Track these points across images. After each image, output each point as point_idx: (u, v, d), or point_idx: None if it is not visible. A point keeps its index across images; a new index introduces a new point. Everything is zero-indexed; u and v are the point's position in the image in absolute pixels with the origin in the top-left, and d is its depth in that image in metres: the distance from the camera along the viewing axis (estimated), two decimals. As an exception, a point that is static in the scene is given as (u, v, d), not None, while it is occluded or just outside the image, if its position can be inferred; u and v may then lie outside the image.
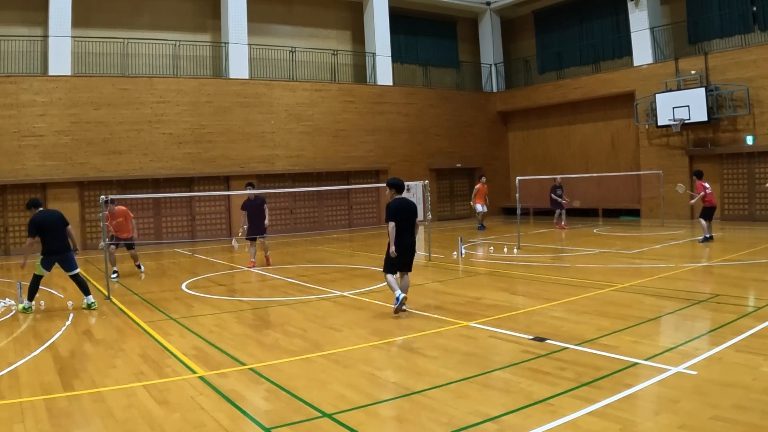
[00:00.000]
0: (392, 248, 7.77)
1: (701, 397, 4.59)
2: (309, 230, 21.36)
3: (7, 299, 9.69)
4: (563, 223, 19.44)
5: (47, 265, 8.98)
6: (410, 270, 8.10)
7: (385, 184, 8.48)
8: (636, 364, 5.48)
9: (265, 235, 13.00)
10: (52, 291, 10.66)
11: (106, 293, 9.93)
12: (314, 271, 12.61)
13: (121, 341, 7.11)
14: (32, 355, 6.56)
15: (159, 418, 4.62)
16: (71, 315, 8.62)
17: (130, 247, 12.73)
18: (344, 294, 9.63)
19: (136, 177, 18.85)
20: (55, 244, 8.94)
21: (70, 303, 9.38)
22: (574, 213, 23.98)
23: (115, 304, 9.43)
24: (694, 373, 5.14)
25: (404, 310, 7.89)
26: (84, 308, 9.05)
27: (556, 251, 14.12)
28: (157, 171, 19.20)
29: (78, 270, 9.15)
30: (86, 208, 18.48)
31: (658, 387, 4.90)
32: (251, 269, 12.91)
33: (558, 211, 19.48)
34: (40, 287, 9.19)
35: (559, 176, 19.64)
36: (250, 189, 13.21)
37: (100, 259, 14.37)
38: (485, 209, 20.11)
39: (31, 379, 5.69)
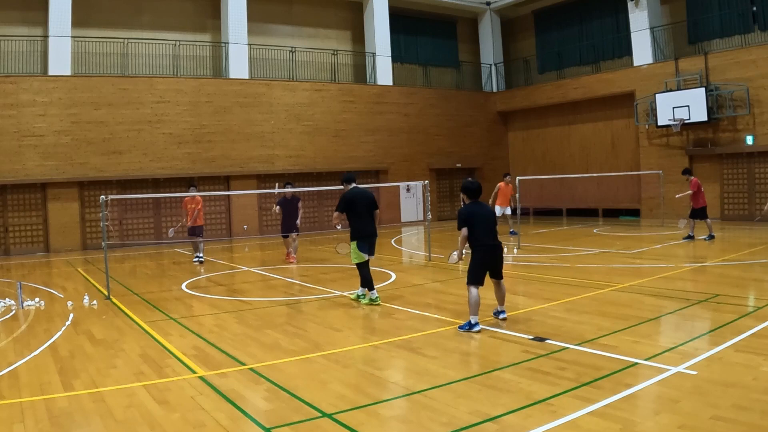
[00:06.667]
0: (454, 255, 7.37)
1: (701, 397, 4.59)
2: (309, 230, 21.34)
3: (7, 299, 9.68)
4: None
5: (362, 248, 8.56)
6: (501, 277, 7.28)
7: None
8: (636, 364, 5.48)
9: (296, 232, 13.73)
10: (52, 291, 10.67)
11: (106, 293, 9.93)
12: (314, 271, 12.61)
13: (121, 341, 7.10)
14: (32, 355, 6.55)
15: (159, 418, 4.62)
16: (71, 315, 8.62)
17: (200, 234, 13.58)
18: (344, 294, 9.63)
19: (136, 177, 18.85)
20: (361, 226, 8.57)
21: (69, 303, 9.38)
22: (574, 213, 24.04)
23: (115, 304, 9.42)
24: (694, 373, 5.14)
25: (503, 319, 7.27)
26: (365, 302, 8.73)
27: (557, 251, 14.11)
28: (157, 171, 19.20)
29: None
30: (86, 208, 18.48)
31: (658, 387, 4.90)
32: (293, 263, 13.50)
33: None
34: (41, 287, 9.15)
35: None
36: (289, 187, 13.73)
37: (100, 259, 14.37)
38: (507, 212, 17.73)
39: (31, 379, 5.69)
